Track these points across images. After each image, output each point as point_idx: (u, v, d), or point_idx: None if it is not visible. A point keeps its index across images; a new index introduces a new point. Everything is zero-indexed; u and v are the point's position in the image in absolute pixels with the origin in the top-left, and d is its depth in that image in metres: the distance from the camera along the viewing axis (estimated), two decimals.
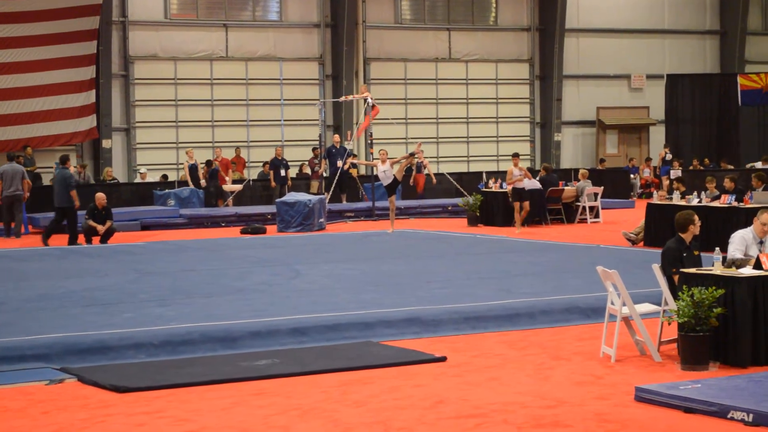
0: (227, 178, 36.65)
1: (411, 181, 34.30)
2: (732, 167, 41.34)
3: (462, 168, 43.06)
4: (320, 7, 42.02)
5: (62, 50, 37.21)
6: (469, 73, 44.61)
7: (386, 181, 28.06)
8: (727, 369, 11.25)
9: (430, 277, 18.45)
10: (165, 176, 38.43)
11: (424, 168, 36.53)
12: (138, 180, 37.79)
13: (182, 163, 37.56)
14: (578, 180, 32.67)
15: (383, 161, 28.31)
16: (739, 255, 12.78)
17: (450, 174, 38.43)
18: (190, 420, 9.78)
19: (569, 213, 30.93)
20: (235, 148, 38.95)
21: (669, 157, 41.91)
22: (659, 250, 13.24)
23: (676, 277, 12.17)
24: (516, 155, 29.85)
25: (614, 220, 31.31)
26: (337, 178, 35.34)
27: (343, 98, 37.57)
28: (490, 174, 37.57)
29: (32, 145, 36.82)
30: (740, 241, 13.20)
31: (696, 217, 12.74)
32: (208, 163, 36.07)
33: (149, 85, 39.75)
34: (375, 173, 29.96)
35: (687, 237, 12.62)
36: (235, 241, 26.92)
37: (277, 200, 31.23)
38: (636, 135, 47.38)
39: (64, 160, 28.25)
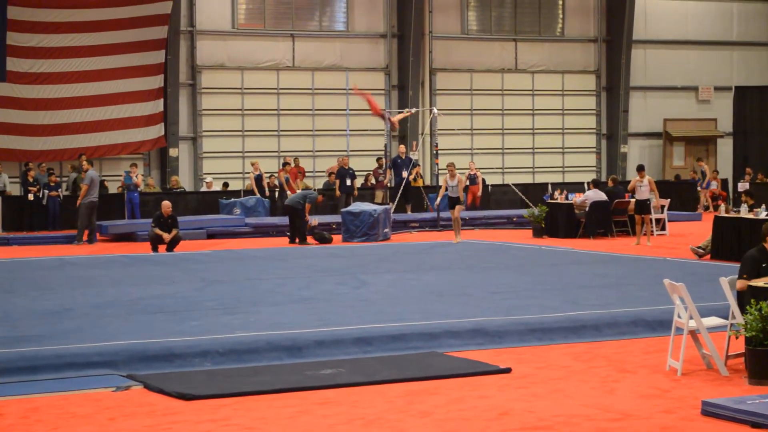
0: (296, 187, 36.75)
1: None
2: None
3: (527, 179, 42.92)
4: (387, 17, 42.11)
5: (131, 59, 37.63)
6: (535, 84, 44.50)
7: (455, 193, 28.11)
8: None
9: (495, 288, 18.42)
10: (226, 184, 38.65)
11: (477, 179, 36.51)
12: (204, 189, 38.05)
13: (248, 173, 37.72)
14: None
15: (452, 176, 28.27)
16: None
17: (515, 185, 38.33)
18: (256, 428, 9.82)
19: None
20: (294, 158, 38.84)
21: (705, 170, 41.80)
22: (726, 264, 13.13)
23: (744, 284, 12.01)
24: (641, 168, 28.96)
25: (680, 232, 31.06)
26: (402, 188, 35.38)
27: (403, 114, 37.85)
28: (555, 185, 37.42)
29: (100, 154, 37.30)
30: None
31: None
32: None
33: (216, 95, 40.02)
34: (440, 182, 29.87)
35: None
36: (300, 251, 27.02)
37: (343, 210, 31.29)
38: (703, 147, 46.97)
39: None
